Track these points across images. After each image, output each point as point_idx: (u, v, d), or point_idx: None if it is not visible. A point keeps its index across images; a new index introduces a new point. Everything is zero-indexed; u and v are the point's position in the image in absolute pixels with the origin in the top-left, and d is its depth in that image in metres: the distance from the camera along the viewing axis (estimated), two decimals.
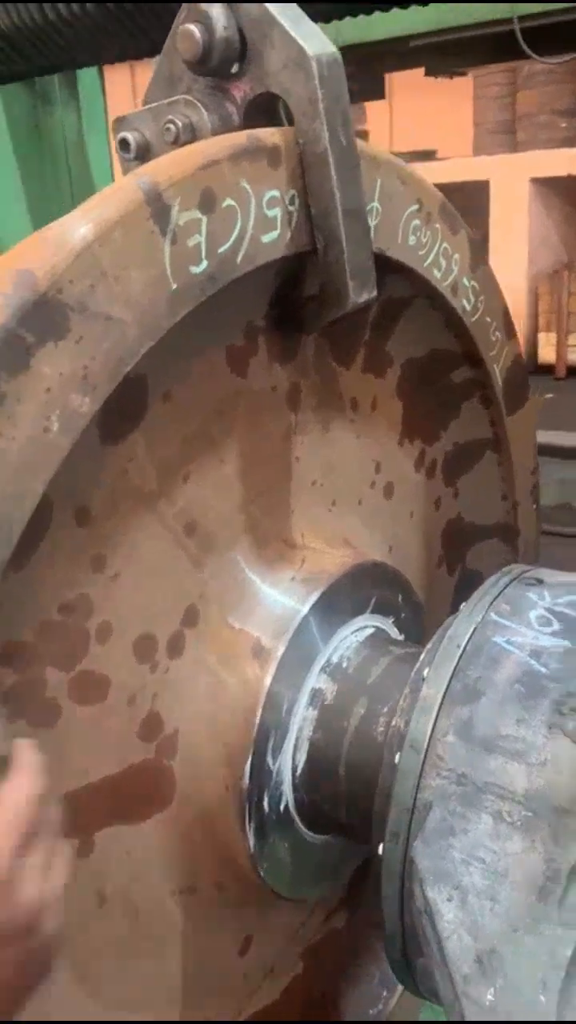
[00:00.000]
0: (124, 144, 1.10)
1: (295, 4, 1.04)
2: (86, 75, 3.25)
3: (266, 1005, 1.38)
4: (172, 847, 1.13)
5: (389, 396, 1.44)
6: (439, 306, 1.41)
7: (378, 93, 3.08)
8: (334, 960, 1.55)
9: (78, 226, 0.82)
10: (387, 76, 3.11)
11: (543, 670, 0.95)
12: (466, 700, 0.96)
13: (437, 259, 1.34)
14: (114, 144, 1.11)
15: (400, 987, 1.64)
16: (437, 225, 1.32)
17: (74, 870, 0.98)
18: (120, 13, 1.71)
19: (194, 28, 1.01)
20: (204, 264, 0.94)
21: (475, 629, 1.01)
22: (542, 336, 8.22)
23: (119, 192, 0.85)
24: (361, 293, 1.09)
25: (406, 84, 5.36)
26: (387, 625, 1.33)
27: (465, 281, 1.42)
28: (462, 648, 1.00)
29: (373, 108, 8.02)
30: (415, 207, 1.26)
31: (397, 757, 0.97)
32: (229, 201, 0.95)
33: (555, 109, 8.54)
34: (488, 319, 1.51)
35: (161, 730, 1.08)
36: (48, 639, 0.94)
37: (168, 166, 0.90)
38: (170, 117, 1.05)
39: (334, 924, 1.52)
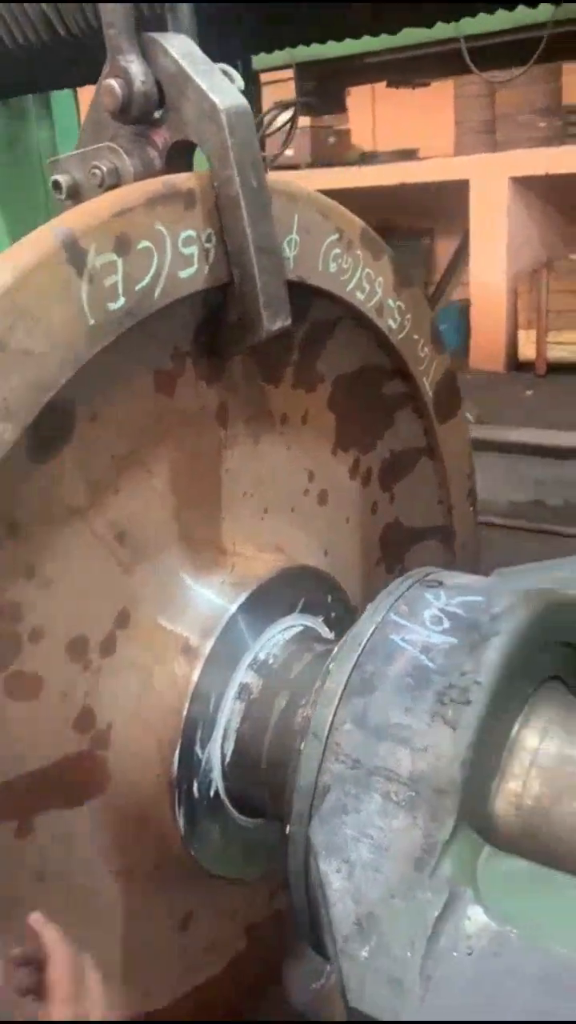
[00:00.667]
0: (56, 186, 1.19)
1: (220, 67, 1.13)
2: (60, 91, 3.33)
3: (208, 978, 1.48)
4: (108, 831, 1.23)
5: (321, 410, 1.53)
6: (366, 325, 1.51)
7: (339, 107, 3.17)
8: (277, 937, 1.65)
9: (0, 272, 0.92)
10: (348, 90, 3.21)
11: (431, 664, 1.05)
12: (362, 692, 1.06)
13: (360, 283, 1.44)
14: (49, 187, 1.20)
15: None
16: (358, 252, 1.42)
17: (13, 849, 1.08)
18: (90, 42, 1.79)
19: (114, 83, 1.11)
20: (122, 301, 1.03)
21: (376, 628, 1.11)
22: (522, 334, 8.29)
23: (37, 241, 0.95)
24: (275, 322, 1.19)
25: None
26: (316, 624, 1.43)
27: (390, 302, 1.52)
28: (362, 645, 1.10)
29: (355, 108, 8.10)
30: (335, 236, 1.36)
31: (302, 744, 1.07)
32: (144, 243, 1.05)
33: (534, 109, 8.60)
34: (416, 336, 1.61)
35: (94, 724, 1.18)
36: None
37: (84, 215, 0.99)
38: (95, 163, 1.14)
39: (276, 904, 1.62)
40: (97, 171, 1.14)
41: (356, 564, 1.70)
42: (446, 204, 8.78)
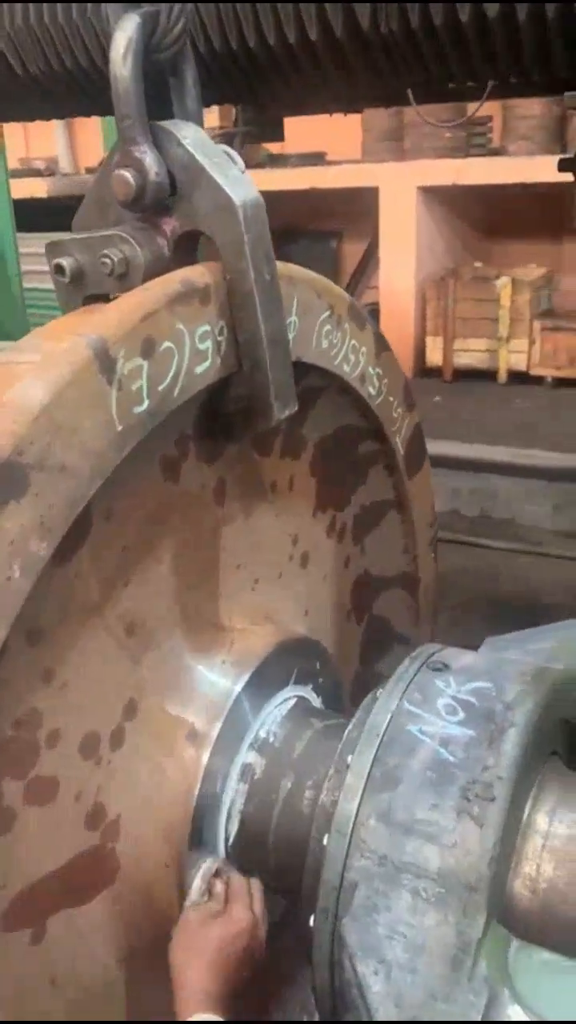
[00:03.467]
0: (59, 269, 1.16)
1: (222, 149, 1.13)
2: None
3: None
4: (115, 919, 1.21)
5: (305, 474, 1.55)
6: (347, 392, 1.53)
7: (279, 135, 3.16)
8: (258, 993, 1.66)
9: (35, 390, 0.89)
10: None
11: (451, 759, 1.08)
12: (385, 787, 1.08)
13: (347, 355, 1.46)
14: (50, 269, 1.17)
15: (316, 1015, 1.78)
16: (346, 325, 1.43)
17: (28, 957, 1.06)
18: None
19: (128, 174, 1.09)
20: (146, 403, 1.02)
21: (391, 718, 1.13)
22: (430, 340, 8.48)
23: (71, 352, 0.93)
24: (284, 410, 1.20)
25: None
26: (307, 692, 1.44)
27: (371, 370, 1.54)
28: (380, 737, 1.12)
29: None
30: (327, 313, 1.37)
31: (325, 839, 1.09)
32: (167, 344, 1.04)
33: (440, 119, 8.77)
34: (391, 398, 1.64)
35: (105, 817, 1.17)
36: (4, 755, 1.01)
37: (113, 321, 0.98)
38: (105, 251, 1.12)
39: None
40: (107, 260, 1.11)
41: (331, 619, 1.72)
42: (354, 208, 8.89)
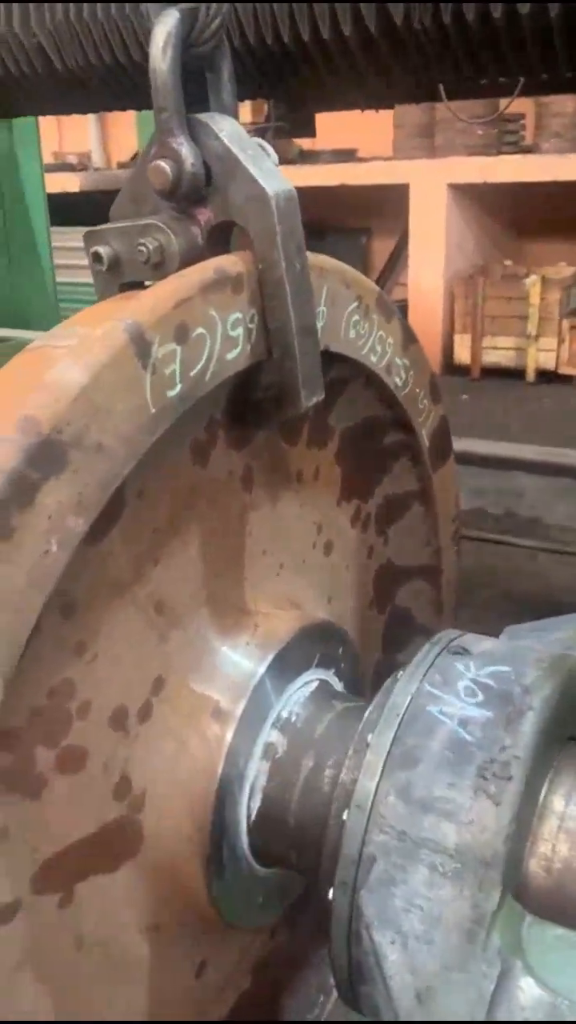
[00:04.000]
0: (97, 257, 1.20)
1: (256, 142, 1.16)
2: None
3: (215, 1020, 1.52)
4: (140, 890, 1.25)
5: (330, 464, 1.58)
6: (374, 383, 1.56)
7: (311, 131, 3.18)
8: (277, 973, 1.70)
9: (73, 372, 0.93)
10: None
11: (470, 738, 1.10)
12: (405, 765, 1.11)
13: (374, 346, 1.48)
14: (88, 257, 1.21)
15: (334, 995, 1.82)
16: (374, 316, 1.46)
17: (56, 920, 1.10)
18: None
19: (165, 164, 1.12)
20: (178, 387, 1.05)
21: (411, 699, 1.16)
22: (458, 338, 8.49)
23: (108, 336, 0.96)
24: (311, 398, 1.23)
25: None
26: (329, 676, 1.47)
27: (398, 360, 1.57)
28: (400, 717, 1.15)
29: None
30: (355, 304, 1.40)
31: (345, 814, 1.12)
32: (200, 330, 1.07)
33: (472, 116, 8.76)
34: (417, 390, 1.66)
35: (131, 789, 1.21)
36: (37, 723, 1.05)
37: (149, 306, 1.01)
38: (142, 240, 1.15)
39: (278, 939, 1.67)
40: (144, 248, 1.15)
41: (354, 608, 1.75)
42: (384, 204, 8.91)
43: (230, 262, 1.13)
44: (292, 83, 1.69)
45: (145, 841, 1.24)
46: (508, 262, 8.94)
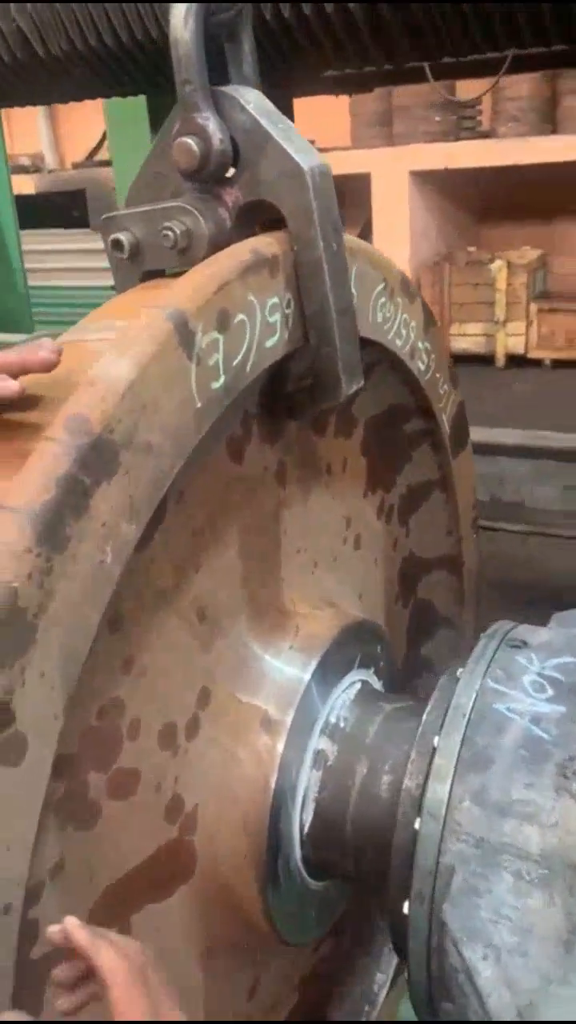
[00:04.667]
0: (117, 244, 1.12)
1: (282, 115, 1.09)
2: None
3: None
4: (194, 915, 1.18)
5: (356, 455, 1.51)
6: (398, 368, 1.50)
7: (287, 115, 3.10)
8: (324, 985, 1.64)
9: (119, 367, 0.85)
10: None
11: (544, 736, 1.05)
12: (477, 767, 1.05)
13: (399, 330, 1.42)
14: (106, 244, 1.13)
15: (380, 1000, 1.76)
16: (398, 299, 1.40)
17: None
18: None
19: (191, 141, 1.05)
20: (222, 379, 0.98)
21: (476, 697, 1.10)
22: None
23: (151, 326, 0.89)
24: (352, 385, 1.16)
25: None
26: (369, 676, 1.41)
27: (420, 344, 1.51)
28: (467, 716, 1.09)
29: None
30: (382, 286, 1.34)
31: (417, 823, 1.06)
32: (240, 316, 1.00)
33: (430, 103, 8.73)
34: (438, 375, 1.60)
35: (183, 809, 1.13)
36: (89, 745, 0.97)
37: (190, 294, 0.94)
38: (167, 224, 1.08)
39: (322, 953, 1.61)
40: (170, 232, 1.07)
41: (382, 603, 1.69)
42: (346, 195, 8.84)
43: (265, 243, 1.06)
44: (290, 61, 1.62)
45: (199, 863, 1.17)
46: (472, 248, 8.92)
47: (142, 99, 2.20)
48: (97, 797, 0.99)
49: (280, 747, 1.19)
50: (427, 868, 1.03)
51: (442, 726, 1.10)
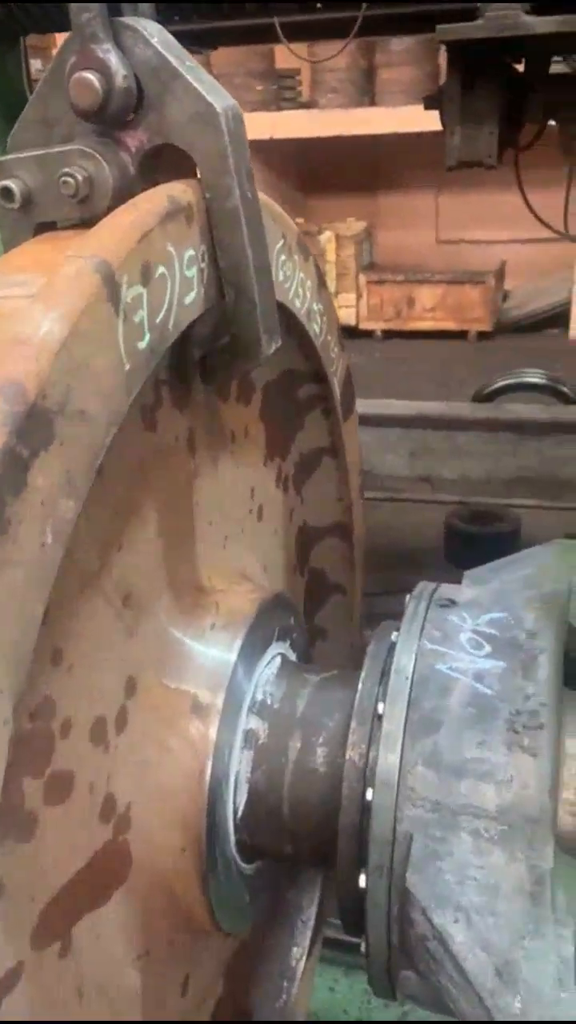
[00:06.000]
0: (7, 193, 1.00)
1: (186, 51, 1.00)
2: None
3: None
4: (131, 918, 1.11)
5: (255, 421, 1.45)
6: (294, 331, 1.45)
7: None
8: (245, 970, 1.59)
9: (49, 323, 0.75)
10: None
11: (489, 692, 1.04)
12: (427, 731, 1.03)
13: (297, 290, 1.37)
14: None
15: (299, 974, 1.74)
16: (296, 257, 1.35)
17: (58, 972, 0.95)
18: None
19: (92, 77, 0.95)
20: (147, 338, 0.90)
21: (416, 660, 1.08)
22: None
23: (77, 278, 0.79)
24: (271, 345, 1.10)
25: None
26: (286, 649, 1.37)
27: (315, 306, 1.46)
28: (410, 680, 1.07)
29: None
30: (281, 242, 1.28)
31: (369, 793, 1.03)
32: (161, 269, 0.92)
33: (250, 71, 8.68)
34: (329, 338, 1.57)
35: (115, 808, 1.05)
36: (22, 750, 0.87)
37: (113, 243, 0.84)
38: (67, 170, 0.97)
39: (239, 937, 1.57)
40: (70, 179, 0.97)
41: (283, 574, 1.65)
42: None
43: (179, 190, 0.98)
44: None
45: (134, 863, 1.09)
46: (300, 219, 8.98)
47: None
48: (33, 806, 0.90)
49: (213, 732, 1.13)
50: (384, 838, 1.01)
51: (385, 692, 1.07)
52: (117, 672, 1.05)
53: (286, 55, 8.69)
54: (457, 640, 1.10)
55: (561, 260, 8.27)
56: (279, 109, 8.70)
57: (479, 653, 1.08)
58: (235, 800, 1.19)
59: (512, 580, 1.26)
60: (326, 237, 8.30)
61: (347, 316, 8.54)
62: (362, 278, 8.48)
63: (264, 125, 8.06)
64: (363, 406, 5.10)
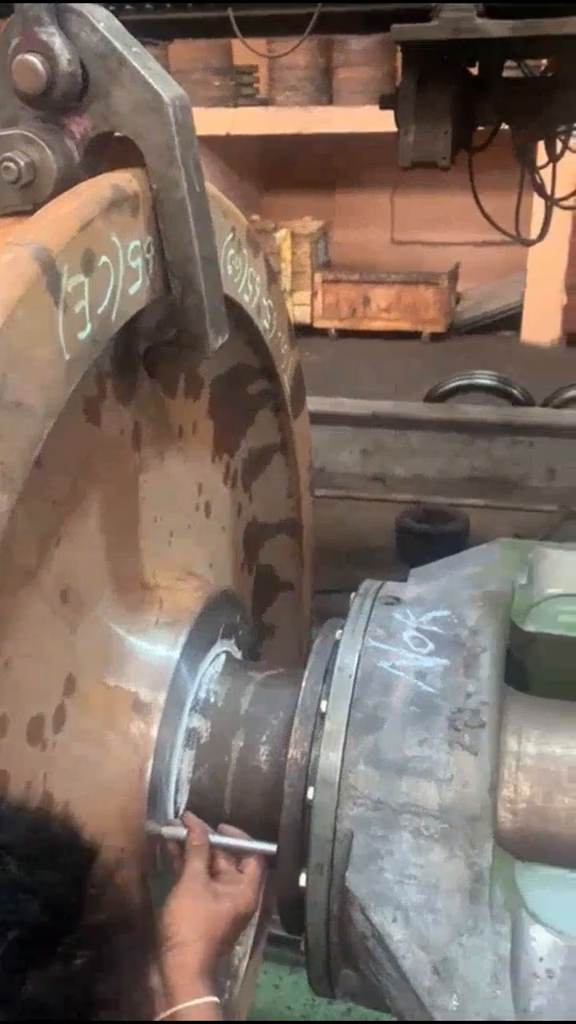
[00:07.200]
0: None
1: (137, 40, 0.99)
2: None
3: None
4: None
5: (204, 417, 1.44)
6: (243, 326, 1.43)
7: None
8: None
9: None
10: None
11: (431, 690, 1.04)
12: (369, 729, 1.03)
13: (246, 285, 1.36)
14: None
15: (241, 974, 1.73)
16: (245, 251, 1.33)
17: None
18: None
19: (36, 60, 0.92)
20: (88, 328, 0.88)
21: (359, 658, 1.08)
22: None
23: (15, 264, 0.77)
24: (218, 339, 1.09)
25: None
26: (231, 647, 1.36)
27: (264, 301, 1.45)
28: (353, 678, 1.06)
29: None
30: (231, 236, 1.27)
31: (310, 792, 1.02)
32: (104, 258, 0.90)
33: (208, 66, 8.62)
34: (280, 334, 1.56)
35: (53, 807, 1.03)
36: None
37: (53, 231, 0.83)
38: (8, 155, 0.95)
39: None
40: (12, 165, 0.94)
41: (230, 571, 1.64)
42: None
43: (124, 179, 0.96)
44: None
45: None
46: (256, 216, 8.95)
47: None
48: None
49: (154, 731, 1.11)
50: (324, 836, 1.00)
51: (328, 690, 1.06)
52: (56, 669, 1.03)
53: (244, 52, 8.67)
54: (401, 638, 1.10)
55: (514, 263, 8.37)
56: (236, 106, 8.66)
57: (422, 651, 1.08)
58: (176, 799, 1.17)
59: (457, 578, 1.26)
60: (282, 235, 8.28)
61: (302, 314, 8.53)
62: (317, 277, 8.49)
63: (222, 121, 8.01)
64: (317, 404, 5.10)
